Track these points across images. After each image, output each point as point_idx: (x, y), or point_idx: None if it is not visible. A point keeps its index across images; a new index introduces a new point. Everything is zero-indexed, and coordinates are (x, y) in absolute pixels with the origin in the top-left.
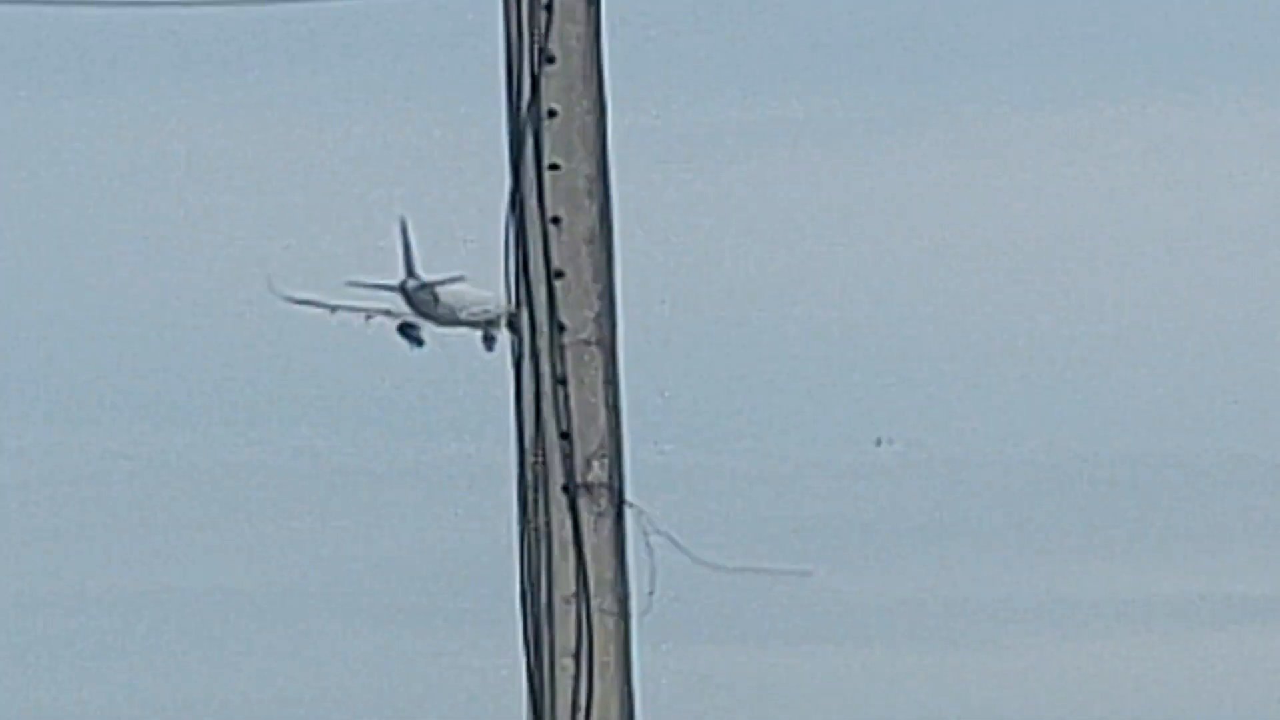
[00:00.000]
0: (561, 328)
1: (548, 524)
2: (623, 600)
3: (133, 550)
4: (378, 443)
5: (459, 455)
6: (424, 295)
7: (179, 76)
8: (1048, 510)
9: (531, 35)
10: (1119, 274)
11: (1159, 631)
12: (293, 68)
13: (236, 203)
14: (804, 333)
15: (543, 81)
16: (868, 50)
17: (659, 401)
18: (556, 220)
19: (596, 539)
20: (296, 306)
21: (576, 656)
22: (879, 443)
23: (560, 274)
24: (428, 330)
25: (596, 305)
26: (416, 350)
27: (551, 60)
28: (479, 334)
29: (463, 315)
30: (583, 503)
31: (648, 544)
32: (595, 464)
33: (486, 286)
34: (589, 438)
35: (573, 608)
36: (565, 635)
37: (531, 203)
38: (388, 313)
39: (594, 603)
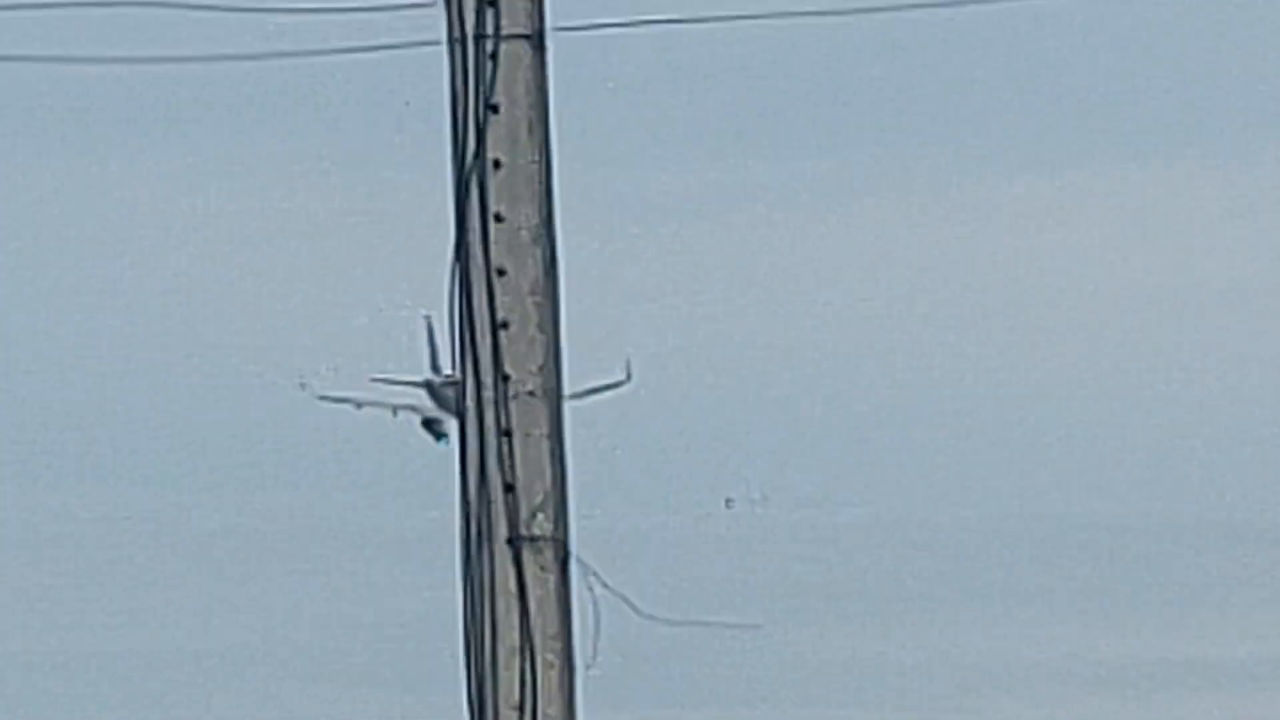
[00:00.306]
0: (506, 378)
1: (492, 577)
2: (568, 654)
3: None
4: (328, 507)
5: (410, 517)
6: (449, 392)
7: (166, 134)
8: (1007, 573)
9: (477, 85)
10: (1084, 338)
11: (1119, 695)
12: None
13: (226, 269)
14: (762, 392)
15: (488, 131)
16: (830, 115)
17: (609, 455)
18: (501, 271)
19: (542, 592)
20: (328, 405)
21: (520, 710)
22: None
23: (505, 325)
24: (451, 425)
25: (541, 357)
26: (443, 445)
27: (496, 110)
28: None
29: None
30: (527, 555)
31: (592, 596)
32: (540, 515)
33: None
34: (534, 490)
35: (517, 661)
36: (510, 688)
37: (477, 253)
38: (412, 408)
39: (539, 656)
